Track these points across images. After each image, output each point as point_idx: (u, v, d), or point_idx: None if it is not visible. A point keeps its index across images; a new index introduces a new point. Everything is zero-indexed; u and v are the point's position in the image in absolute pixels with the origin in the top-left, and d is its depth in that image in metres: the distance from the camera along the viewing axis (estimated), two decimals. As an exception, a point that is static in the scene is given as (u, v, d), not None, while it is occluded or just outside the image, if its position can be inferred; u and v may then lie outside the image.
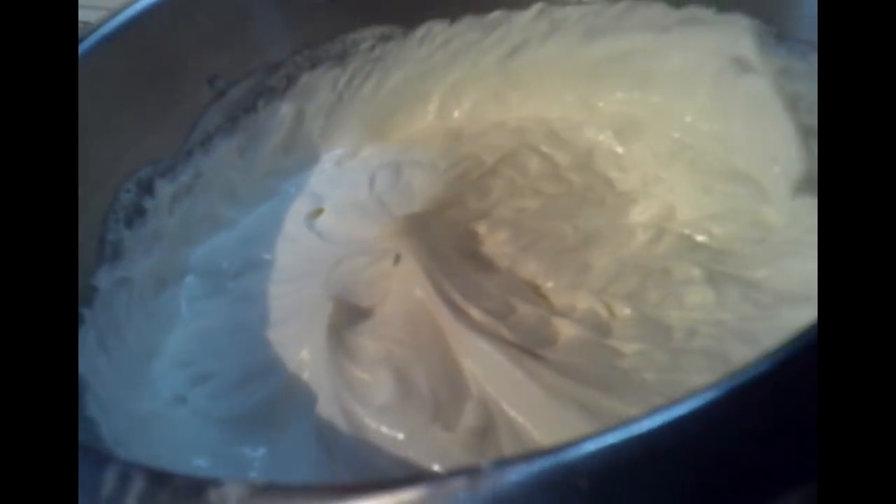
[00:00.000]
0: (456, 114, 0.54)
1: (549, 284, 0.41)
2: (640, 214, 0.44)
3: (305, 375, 0.39)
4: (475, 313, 0.38)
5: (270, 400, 0.39)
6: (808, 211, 0.40)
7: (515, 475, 0.21)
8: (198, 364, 0.42)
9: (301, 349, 0.40)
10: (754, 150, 0.43)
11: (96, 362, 0.39)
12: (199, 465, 0.37)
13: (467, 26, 0.52)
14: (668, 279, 0.40)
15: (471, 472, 0.21)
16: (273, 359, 0.40)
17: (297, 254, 0.47)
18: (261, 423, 0.38)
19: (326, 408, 0.37)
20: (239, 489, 0.22)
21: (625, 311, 0.39)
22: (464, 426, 0.34)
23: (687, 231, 0.42)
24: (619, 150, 0.48)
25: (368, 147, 0.53)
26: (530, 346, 0.36)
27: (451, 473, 0.21)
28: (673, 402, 0.21)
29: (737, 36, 0.44)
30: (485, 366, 0.36)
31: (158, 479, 0.23)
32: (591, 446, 0.21)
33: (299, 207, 0.51)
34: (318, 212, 0.50)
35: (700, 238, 0.42)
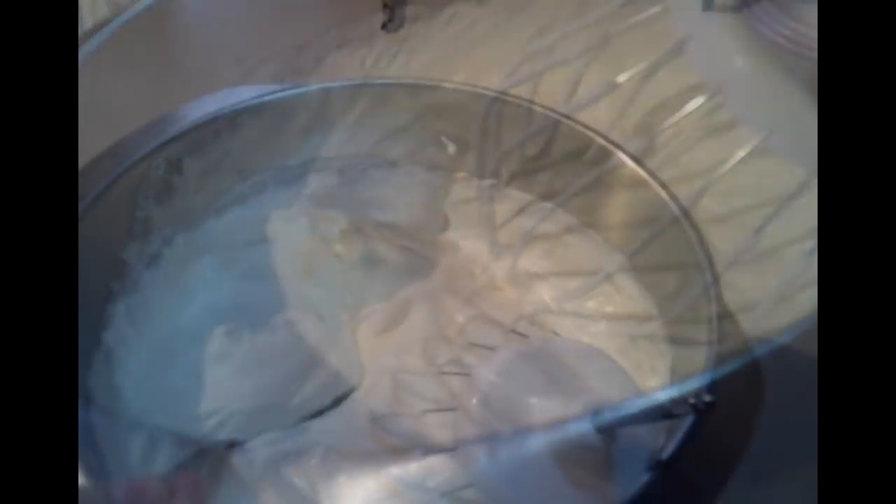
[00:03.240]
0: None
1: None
2: None
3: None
4: None
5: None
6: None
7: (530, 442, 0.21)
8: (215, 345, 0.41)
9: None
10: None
11: (124, 334, 0.39)
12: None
13: (494, 8, 0.52)
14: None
15: (490, 440, 0.21)
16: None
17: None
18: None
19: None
20: (265, 451, 0.22)
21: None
22: None
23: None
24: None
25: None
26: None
27: (472, 441, 0.21)
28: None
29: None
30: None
31: (185, 443, 0.24)
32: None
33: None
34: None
35: None
